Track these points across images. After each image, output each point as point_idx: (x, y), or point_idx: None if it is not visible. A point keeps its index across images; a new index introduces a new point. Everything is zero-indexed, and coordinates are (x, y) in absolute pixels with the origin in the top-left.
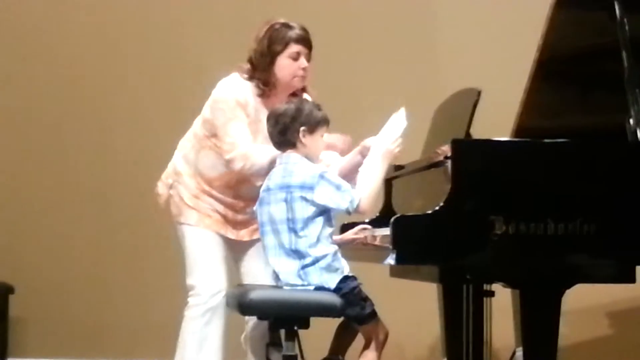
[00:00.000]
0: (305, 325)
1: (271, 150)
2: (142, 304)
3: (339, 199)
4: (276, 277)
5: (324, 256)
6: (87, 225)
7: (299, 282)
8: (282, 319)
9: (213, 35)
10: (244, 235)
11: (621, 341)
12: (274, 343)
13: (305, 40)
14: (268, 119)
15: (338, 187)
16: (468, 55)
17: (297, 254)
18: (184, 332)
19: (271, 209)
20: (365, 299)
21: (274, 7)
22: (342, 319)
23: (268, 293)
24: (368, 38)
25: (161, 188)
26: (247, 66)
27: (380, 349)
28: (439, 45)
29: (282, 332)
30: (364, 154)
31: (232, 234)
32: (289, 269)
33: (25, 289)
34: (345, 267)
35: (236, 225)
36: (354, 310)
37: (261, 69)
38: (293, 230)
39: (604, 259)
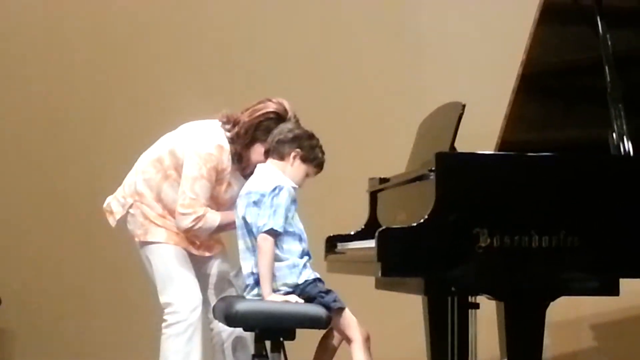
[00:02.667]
0: (291, 336)
1: (219, 217)
2: (127, 315)
3: (263, 215)
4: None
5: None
6: (73, 238)
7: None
8: (267, 331)
9: (185, 62)
10: (204, 251)
11: (603, 353)
12: (259, 354)
13: None
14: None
15: (274, 206)
16: (453, 69)
17: (252, 258)
18: (167, 350)
19: (238, 213)
20: (325, 291)
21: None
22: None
23: (254, 305)
24: (354, 53)
25: (115, 206)
26: (232, 123)
27: (363, 346)
28: (425, 60)
29: (268, 343)
30: None
31: (195, 251)
32: (245, 271)
33: (12, 300)
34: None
35: (194, 244)
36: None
37: (240, 142)
38: (250, 234)
39: (588, 271)
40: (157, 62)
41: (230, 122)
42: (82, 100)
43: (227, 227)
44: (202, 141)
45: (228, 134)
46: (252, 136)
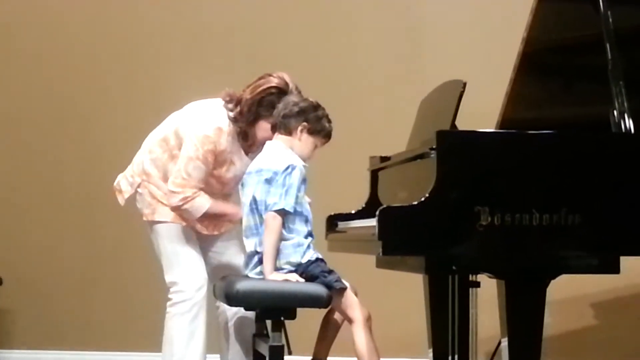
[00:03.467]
0: (292, 315)
1: (208, 203)
2: (128, 296)
3: (274, 194)
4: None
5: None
6: (75, 219)
7: (253, 267)
8: (268, 310)
9: (186, 43)
10: (212, 230)
11: (605, 331)
12: (260, 334)
13: None
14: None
15: (286, 185)
16: (453, 47)
17: (257, 235)
18: (171, 329)
19: (247, 190)
20: (328, 271)
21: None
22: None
23: (255, 284)
24: (355, 33)
25: (124, 185)
26: (234, 101)
27: (364, 326)
28: (425, 38)
29: (269, 322)
30: None
31: (204, 230)
32: (249, 249)
33: (13, 281)
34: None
35: (203, 222)
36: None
37: (244, 120)
38: (257, 212)
39: (589, 249)
40: (158, 44)
41: (233, 101)
42: (81, 82)
43: (219, 216)
44: (201, 123)
45: (231, 114)
46: (256, 113)
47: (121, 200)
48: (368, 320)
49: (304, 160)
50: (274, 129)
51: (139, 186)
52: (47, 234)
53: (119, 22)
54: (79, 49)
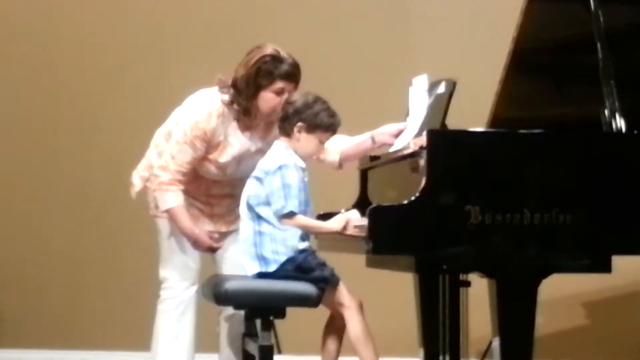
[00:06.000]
0: (281, 315)
1: (174, 204)
2: (118, 295)
3: (277, 197)
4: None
5: (271, 234)
6: (63, 218)
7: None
8: (257, 309)
9: (193, 38)
10: (221, 226)
11: (597, 331)
12: (249, 333)
13: (292, 77)
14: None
15: (286, 187)
16: (443, 46)
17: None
18: (157, 326)
19: (244, 190)
20: (323, 263)
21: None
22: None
23: (243, 283)
24: (344, 35)
25: (135, 178)
26: (229, 85)
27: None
28: (414, 37)
29: (258, 322)
30: (375, 140)
31: (209, 226)
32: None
33: (1, 280)
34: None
35: (213, 217)
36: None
37: (244, 97)
38: (249, 207)
39: (580, 249)
40: (159, 42)
41: (227, 84)
42: (80, 81)
43: (178, 224)
44: (191, 110)
45: (226, 97)
46: (255, 85)
47: (133, 193)
48: (360, 307)
49: (309, 158)
50: (278, 129)
51: (147, 180)
52: (34, 234)
53: (118, 19)
54: (79, 48)
